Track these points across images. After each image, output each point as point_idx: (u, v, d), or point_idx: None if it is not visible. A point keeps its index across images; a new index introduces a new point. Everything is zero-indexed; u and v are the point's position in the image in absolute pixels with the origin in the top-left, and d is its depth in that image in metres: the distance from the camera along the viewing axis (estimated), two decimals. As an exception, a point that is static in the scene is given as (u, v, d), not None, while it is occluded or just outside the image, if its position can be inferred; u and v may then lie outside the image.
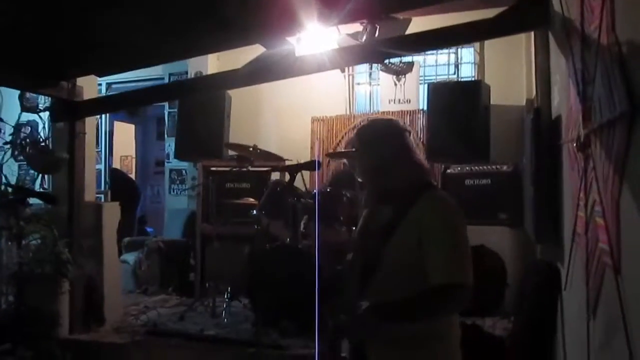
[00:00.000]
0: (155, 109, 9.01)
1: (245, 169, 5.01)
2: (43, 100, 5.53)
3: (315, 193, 4.50)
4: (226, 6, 3.17)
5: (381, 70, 5.94)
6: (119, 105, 5.49)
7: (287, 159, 5.19)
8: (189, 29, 3.51)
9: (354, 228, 4.29)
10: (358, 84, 6.56)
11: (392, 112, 5.98)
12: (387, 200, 2.10)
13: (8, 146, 4.74)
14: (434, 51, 6.09)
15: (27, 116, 5.73)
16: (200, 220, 5.47)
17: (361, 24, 4.62)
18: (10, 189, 4.03)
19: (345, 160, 5.23)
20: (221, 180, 5.54)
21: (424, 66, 6.24)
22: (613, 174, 1.57)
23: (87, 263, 4.27)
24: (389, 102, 6.17)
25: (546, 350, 3.07)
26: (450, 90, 4.77)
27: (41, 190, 4.87)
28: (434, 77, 6.21)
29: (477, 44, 5.88)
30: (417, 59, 6.07)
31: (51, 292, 3.99)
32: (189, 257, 5.85)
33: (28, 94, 5.46)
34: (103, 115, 8.03)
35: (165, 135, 8.01)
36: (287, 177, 3.95)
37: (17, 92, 5.31)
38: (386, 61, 5.27)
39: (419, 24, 4.30)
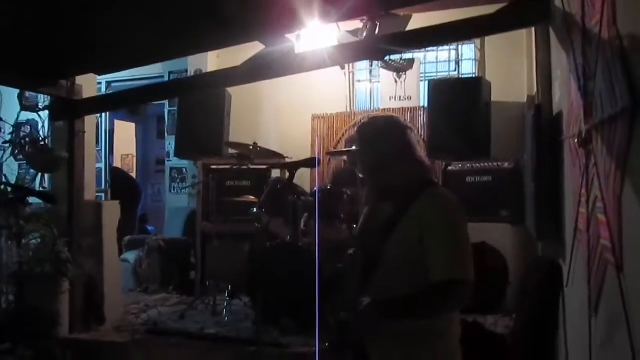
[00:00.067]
0: (155, 108, 9.00)
1: (245, 167, 5.00)
2: (42, 99, 5.51)
3: (315, 190, 4.49)
4: (226, 3, 3.16)
5: (381, 67, 5.93)
6: (118, 103, 5.48)
7: (287, 157, 5.18)
8: (188, 27, 3.50)
9: (354, 226, 4.28)
10: (358, 81, 6.55)
11: (393, 109, 5.97)
12: (388, 198, 2.10)
13: (8, 145, 4.74)
14: (435, 48, 6.07)
15: (26, 115, 5.72)
16: (200, 219, 5.46)
17: (361, 21, 4.61)
18: (9, 189, 4.02)
19: (345, 158, 5.21)
20: (221, 178, 5.53)
21: (425, 63, 6.22)
22: (615, 169, 1.55)
23: (87, 262, 4.25)
24: (390, 99, 6.16)
25: (548, 348, 3.06)
26: (451, 87, 4.76)
27: (41, 189, 4.86)
28: (435, 74, 6.19)
29: (477, 41, 5.87)
30: (418, 55, 6.06)
31: (51, 291, 3.98)
32: (189, 255, 5.85)
33: (27, 93, 5.45)
34: (103, 114, 8.01)
35: (166, 134, 8.00)
36: (287, 174, 3.94)
37: (17, 91, 5.30)
38: (386, 58, 5.25)
39: (419, 20, 4.29)
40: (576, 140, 2.11)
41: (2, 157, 4.93)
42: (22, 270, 3.82)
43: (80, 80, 4.41)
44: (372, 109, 6.37)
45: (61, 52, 3.79)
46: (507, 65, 5.68)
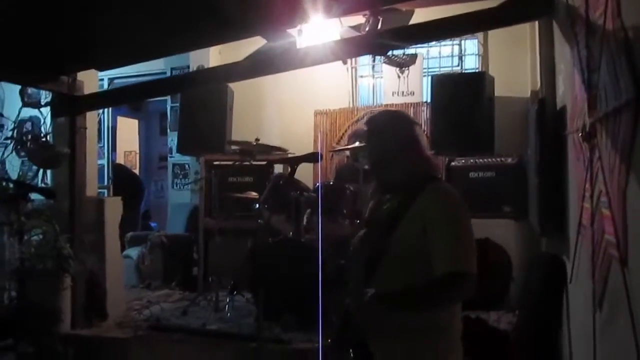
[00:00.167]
0: (158, 104, 8.98)
1: (247, 163, 4.98)
2: (44, 96, 5.51)
3: (318, 186, 4.47)
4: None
5: (384, 62, 5.90)
6: (119, 99, 5.47)
7: (290, 153, 5.16)
8: (189, 24, 3.48)
9: (357, 222, 4.26)
10: (361, 76, 6.52)
11: (396, 105, 5.94)
12: (393, 191, 2.13)
13: (10, 141, 4.74)
14: (437, 43, 6.05)
15: (28, 111, 5.73)
16: (203, 215, 5.44)
17: (363, 16, 4.59)
18: (11, 185, 4.01)
19: (348, 153, 5.19)
20: (224, 174, 5.52)
21: (427, 58, 6.20)
22: (619, 163, 1.54)
23: (88, 258, 4.25)
24: (393, 95, 6.13)
25: (551, 344, 3.04)
26: (454, 82, 4.74)
27: (42, 185, 4.86)
28: (438, 69, 6.16)
29: (480, 35, 5.84)
30: (421, 50, 6.03)
31: (53, 287, 3.98)
32: (192, 251, 5.85)
33: (29, 90, 5.46)
34: (106, 111, 8.01)
35: (168, 130, 7.98)
36: (289, 169, 3.93)
37: (18, 88, 5.30)
38: (389, 53, 5.23)
39: (421, 15, 4.27)
40: (580, 134, 2.09)
41: (3, 153, 4.93)
42: (23, 266, 3.82)
43: (81, 76, 4.40)
44: (374, 104, 6.35)
45: (62, 47, 3.78)
46: (510, 60, 5.65)
